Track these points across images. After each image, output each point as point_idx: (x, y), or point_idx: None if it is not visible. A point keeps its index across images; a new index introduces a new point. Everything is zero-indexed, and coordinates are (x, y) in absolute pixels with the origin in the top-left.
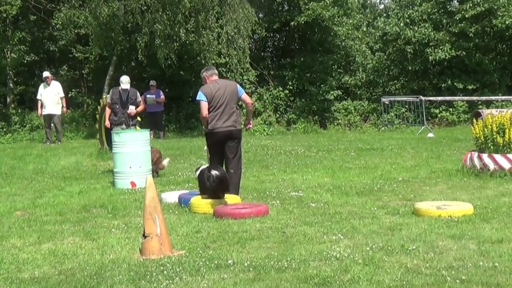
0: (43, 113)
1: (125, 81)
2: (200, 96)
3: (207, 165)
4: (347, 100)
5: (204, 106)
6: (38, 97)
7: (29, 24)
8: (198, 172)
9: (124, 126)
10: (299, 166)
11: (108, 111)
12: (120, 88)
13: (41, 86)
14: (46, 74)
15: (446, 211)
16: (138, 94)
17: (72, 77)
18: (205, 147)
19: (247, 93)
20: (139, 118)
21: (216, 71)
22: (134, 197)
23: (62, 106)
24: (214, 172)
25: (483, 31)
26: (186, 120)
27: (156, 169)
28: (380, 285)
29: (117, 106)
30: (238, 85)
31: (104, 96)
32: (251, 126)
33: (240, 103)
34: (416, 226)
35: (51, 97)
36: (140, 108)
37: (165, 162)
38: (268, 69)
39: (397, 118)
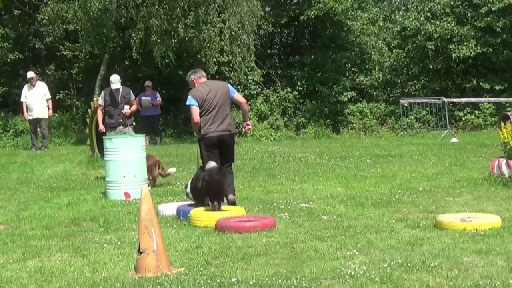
0: (29, 117)
1: (114, 80)
2: (190, 100)
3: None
4: (362, 102)
5: (195, 111)
6: (22, 99)
7: (13, 19)
8: (188, 189)
9: (121, 127)
10: (310, 175)
11: (100, 114)
12: (111, 88)
13: (25, 88)
14: (30, 74)
15: (472, 224)
16: (132, 92)
17: (60, 77)
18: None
19: (244, 96)
20: (134, 123)
21: (204, 73)
22: (128, 209)
23: (48, 109)
24: (210, 165)
25: (511, 25)
26: (185, 124)
27: (153, 179)
28: None
29: (112, 108)
30: (229, 85)
31: (95, 98)
32: (250, 127)
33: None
34: (439, 241)
35: (37, 99)
36: (134, 107)
37: (171, 170)
38: (275, 68)
39: (417, 122)
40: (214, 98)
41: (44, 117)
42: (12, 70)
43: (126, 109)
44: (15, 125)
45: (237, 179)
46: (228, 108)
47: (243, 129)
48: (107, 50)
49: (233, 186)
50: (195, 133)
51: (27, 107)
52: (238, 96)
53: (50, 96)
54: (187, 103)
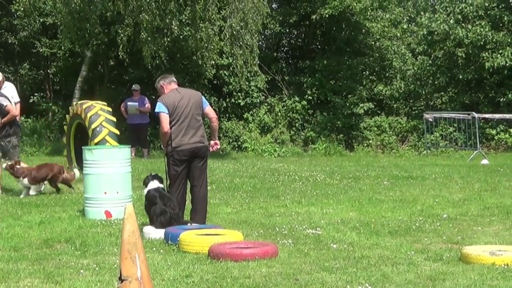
0: None
1: None
2: (160, 107)
3: (157, 184)
4: (380, 115)
5: (165, 119)
6: None
7: None
8: (146, 191)
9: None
10: (318, 197)
11: None
12: None
13: None
14: None
15: (502, 258)
16: (13, 90)
17: (35, 77)
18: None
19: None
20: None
21: (174, 79)
22: (109, 230)
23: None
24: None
25: None
26: None
27: (55, 185)
28: None
29: None
30: (202, 96)
31: (74, 103)
32: (218, 146)
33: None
34: (464, 276)
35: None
36: (8, 117)
37: (76, 171)
38: (281, 74)
39: (443, 140)
40: (186, 106)
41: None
42: None
43: None
44: None
45: (234, 199)
46: (200, 118)
47: (211, 149)
48: (90, 47)
49: (203, 213)
50: (162, 146)
51: None
52: (210, 110)
53: (18, 99)
54: (156, 110)
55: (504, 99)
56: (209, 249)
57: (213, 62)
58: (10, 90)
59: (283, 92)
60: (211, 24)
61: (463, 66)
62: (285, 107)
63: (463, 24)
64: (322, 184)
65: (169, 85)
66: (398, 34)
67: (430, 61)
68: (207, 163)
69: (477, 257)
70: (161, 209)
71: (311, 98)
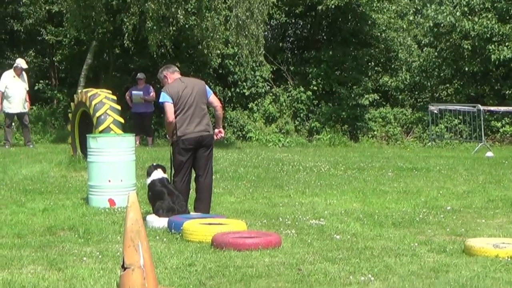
0: (8, 111)
1: None
2: (164, 97)
3: (161, 174)
4: (385, 106)
5: (170, 109)
6: (1, 88)
7: None
8: (150, 180)
9: None
10: (322, 187)
11: None
12: None
13: (8, 76)
14: (22, 64)
15: (506, 250)
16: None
17: (40, 65)
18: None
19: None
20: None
21: (177, 69)
22: (113, 218)
23: (26, 102)
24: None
25: None
26: None
27: None
28: None
29: None
30: (206, 85)
31: (79, 91)
32: (223, 134)
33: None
34: (467, 268)
35: (20, 92)
36: None
37: None
38: (287, 64)
39: (447, 132)
40: (190, 95)
41: (26, 111)
42: None
43: None
44: None
45: (238, 189)
46: (205, 107)
47: (215, 137)
48: (95, 36)
49: (207, 203)
50: (167, 136)
51: (4, 98)
52: (214, 99)
53: (28, 88)
54: (160, 100)
55: (510, 92)
56: (212, 238)
57: (219, 52)
58: (25, 79)
59: (288, 82)
60: (216, 13)
61: (469, 59)
62: (290, 97)
63: (469, 16)
64: (326, 175)
65: (172, 74)
66: (404, 26)
67: (436, 53)
68: (212, 152)
69: (480, 249)
70: (169, 206)
71: (316, 88)
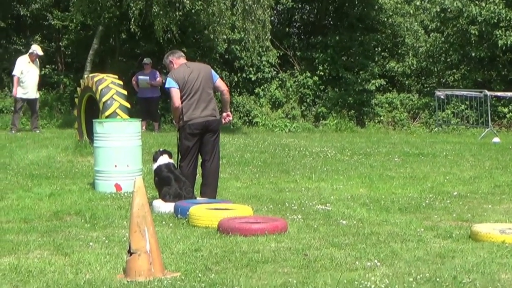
0: (22, 96)
1: None
2: (170, 82)
3: (167, 159)
4: (392, 92)
5: (176, 94)
6: (17, 73)
7: None
8: (156, 166)
9: None
10: (328, 173)
11: None
12: None
13: (23, 61)
14: (38, 50)
15: None
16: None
17: (47, 49)
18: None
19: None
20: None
21: (183, 54)
22: (119, 203)
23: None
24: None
25: None
26: None
27: None
28: None
29: None
30: (212, 69)
31: (85, 76)
32: (231, 118)
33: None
34: (473, 254)
35: (34, 78)
36: None
37: None
38: (293, 49)
39: (454, 117)
40: (196, 80)
41: (37, 97)
42: None
43: None
44: None
45: (244, 174)
46: (211, 92)
47: (223, 121)
48: (102, 21)
49: (213, 188)
50: (174, 122)
51: (19, 83)
52: (221, 83)
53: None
54: (166, 85)
55: None
56: (219, 223)
57: (225, 37)
58: (38, 65)
59: (295, 67)
60: None
61: (476, 44)
62: (297, 83)
63: (476, 2)
64: (332, 160)
65: (178, 60)
66: (411, 11)
67: (442, 38)
68: (219, 137)
69: (486, 235)
70: (176, 192)
71: (322, 73)
